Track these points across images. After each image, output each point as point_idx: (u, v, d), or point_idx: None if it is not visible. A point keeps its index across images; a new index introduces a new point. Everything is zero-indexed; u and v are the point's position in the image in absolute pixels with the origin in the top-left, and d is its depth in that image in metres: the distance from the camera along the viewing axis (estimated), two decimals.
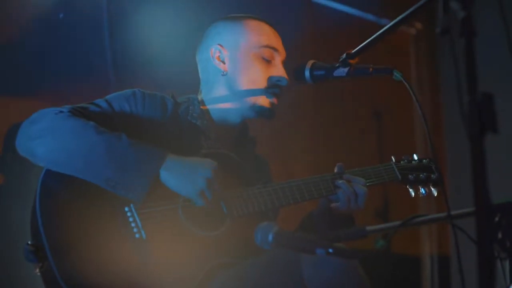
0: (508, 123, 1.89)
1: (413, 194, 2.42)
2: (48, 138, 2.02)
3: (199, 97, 2.33)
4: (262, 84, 2.26)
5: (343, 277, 1.92)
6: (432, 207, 4.82)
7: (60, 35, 3.44)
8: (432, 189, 2.43)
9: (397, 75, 2.12)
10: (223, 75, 2.28)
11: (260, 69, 2.27)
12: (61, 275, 1.90)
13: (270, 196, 2.16)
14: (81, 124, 2.03)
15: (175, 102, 2.26)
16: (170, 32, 3.74)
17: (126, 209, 2.02)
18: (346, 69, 2.20)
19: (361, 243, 1.93)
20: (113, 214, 2.01)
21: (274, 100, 2.28)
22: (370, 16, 4.94)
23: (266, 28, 2.33)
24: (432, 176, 2.43)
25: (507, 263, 1.74)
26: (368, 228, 1.73)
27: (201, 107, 2.29)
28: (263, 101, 2.27)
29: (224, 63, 2.29)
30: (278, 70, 2.28)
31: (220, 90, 2.29)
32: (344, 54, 2.18)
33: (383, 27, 2.09)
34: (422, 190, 2.42)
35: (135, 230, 2.00)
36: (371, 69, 2.19)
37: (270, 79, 2.27)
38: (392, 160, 2.43)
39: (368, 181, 2.29)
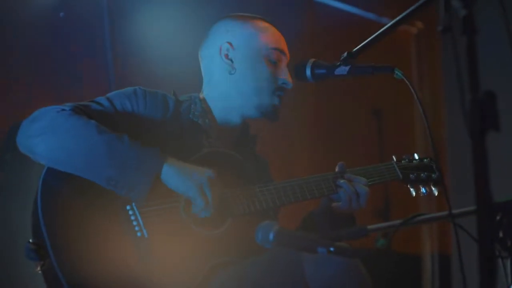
0: (510, 121, 1.88)
1: (414, 193, 2.42)
2: (50, 136, 2.02)
3: (201, 96, 2.33)
4: (268, 85, 2.26)
5: (344, 276, 1.92)
6: (433, 206, 4.82)
7: (61, 34, 3.44)
8: (433, 188, 2.44)
9: (398, 73, 2.12)
10: (230, 74, 2.28)
11: (267, 71, 2.26)
12: (62, 273, 1.90)
13: (271, 195, 2.16)
14: (82, 123, 2.02)
15: (177, 100, 2.26)
16: (171, 31, 3.74)
17: (128, 207, 2.02)
18: (347, 68, 2.19)
19: (362, 242, 1.93)
20: (114, 212, 2.01)
21: (279, 102, 2.28)
22: (370, 15, 4.94)
23: (275, 31, 2.33)
24: (433, 175, 2.43)
25: (508, 262, 1.74)
26: (369, 227, 1.73)
27: (203, 105, 2.29)
28: (270, 102, 2.26)
29: (232, 61, 2.28)
30: (284, 73, 2.28)
31: (225, 89, 2.29)
32: (346, 53, 2.18)
33: (383, 25, 2.09)
34: (423, 190, 2.42)
35: (136, 228, 2.00)
36: (372, 68, 2.19)
37: (276, 81, 2.27)
38: (393, 159, 2.43)
39: (369, 180, 2.29)
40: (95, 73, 3.53)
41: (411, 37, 5.36)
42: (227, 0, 3.48)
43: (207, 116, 2.27)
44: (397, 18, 1.97)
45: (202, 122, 2.25)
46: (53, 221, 1.96)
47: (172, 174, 2.02)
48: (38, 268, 1.95)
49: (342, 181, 2.24)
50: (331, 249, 1.61)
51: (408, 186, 2.42)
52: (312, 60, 2.26)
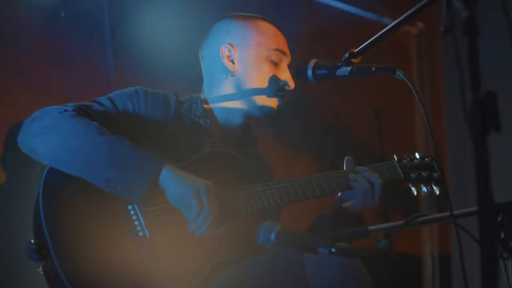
0: (511, 122, 1.88)
1: (415, 192, 2.42)
2: (51, 135, 2.01)
3: (202, 96, 2.33)
4: (270, 86, 2.26)
5: (345, 276, 1.92)
6: (433, 206, 4.82)
7: (61, 34, 3.44)
8: (434, 187, 2.43)
9: (400, 74, 2.12)
10: (232, 75, 2.28)
11: (269, 72, 2.26)
12: (64, 273, 1.89)
13: (272, 194, 2.16)
14: (84, 124, 2.02)
15: (178, 100, 2.26)
16: (171, 31, 3.74)
17: (130, 207, 2.02)
18: (348, 68, 2.19)
19: (362, 242, 1.94)
20: (116, 212, 2.01)
21: (282, 103, 2.28)
22: (371, 15, 4.94)
23: (276, 31, 2.33)
24: (434, 174, 2.43)
25: (509, 263, 1.74)
26: (371, 227, 1.73)
27: (204, 105, 2.29)
28: (272, 103, 2.27)
29: (233, 63, 2.28)
30: (285, 74, 2.28)
31: (226, 90, 2.29)
32: (347, 53, 2.18)
33: (384, 26, 2.09)
34: (424, 189, 2.42)
35: (138, 228, 2.00)
36: (374, 69, 2.19)
37: (278, 82, 2.27)
38: (394, 159, 2.43)
39: None
40: (96, 73, 3.53)
41: (411, 37, 5.36)
42: (227, 0, 3.48)
43: (208, 116, 2.27)
44: (399, 19, 1.97)
45: (204, 123, 2.25)
46: (55, 221, 1.95)
47: (170, 179, 2.01)
48: (40, 269, 1.95)
49: (356, 175, 2.24)
50: (332, 249, 1.62)
51: (409, 185, 2.42)
52: (313, 60, 2.26)
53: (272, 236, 1.67)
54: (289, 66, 2.32)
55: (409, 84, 2.08)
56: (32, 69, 3.37)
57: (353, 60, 2.18)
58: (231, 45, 2.28)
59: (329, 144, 4.71)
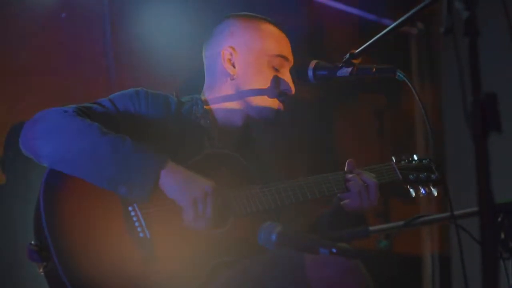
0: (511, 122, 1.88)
1: (413, 194, 2.42)
2: (52, 137, 2.02)
3: (203, 97, 2.33)
4: (270, 92, 2.26)
5: (345, 277, 1.93)
6: (432, 207, 4.82)
7: (62, 35, 3.44)
8: (433, 189, 2.44)
9: (400, 75, 2.12)
10: (232, 79, 2.27)
11: (270, 77, 2.26)
12: (65, 274, 1.89)
13: (272, 195, 2.17)
14: (85, 125, 2.02)
15: (179, 101, 2.26)
16: (173, 31, 3.74)
17: (130, 208, 2.02)
18: (349, 69, 2.19)
19: (362, 242, 1.94)
20: (117, 213, 2.01)
21: (282, 108, 2.28)
22: (371, 16, 4.94)
23: (280, 35, 2.32)
24: (432, 176, 2.44)
25: (509, 263, 1.74)
26: (371, 228, 1.73)
27: (205, 106, 2.29)
28: (272, 108, 2.26)
29: (234, 66, 2.27)
30: (286, 79, 2.28)
31: (226, 92, 2.28)
32: (347, 54, 2.18)
33: (384, 26, 2.09)
34: (422, 190, 2.43)
35: (139, 229, 2.00)
36: (374, 69, 2.19)
37: (278, 87, 2.27)
38: (392, 160, 2.43)
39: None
40: (96, 74, 3.53)
41: (411, 37, 5.36)
42: (228, 0, 3.48)
43: (209, 117, 2.27)
44: (400, 20, 1.97)
45: (204, 123, 2.25)
46: (56, 222, 1.95)
47: (172, 178, 2.01)
48: (41, 270, 1.95)
49: (350, 175, 2.24)
50: (333, 249, 1.62)
51: (408, 186, 2.42)
52: (314, 61, 2.27)
53: (273, 237, 1.67)
54: (290, 69, 2.31)
55: (409, 84, 2.08)
56: (33, 69, 3.37)
57: (354, 61, 2.18)
58: (233, 48, 2.28)
59: (329, 145, 4.71)
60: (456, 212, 1.77)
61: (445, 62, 5.19)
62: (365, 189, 2.24)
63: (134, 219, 2.01)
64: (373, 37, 2.09)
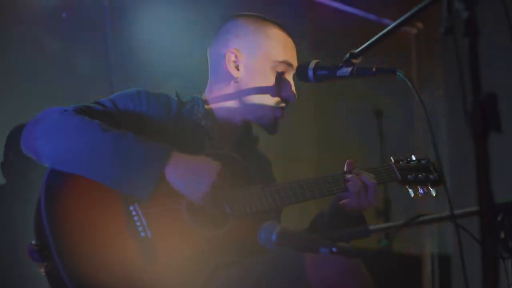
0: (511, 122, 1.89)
1: (412, 194, 2.43)
2: (53, 137, 2.02)
3: (204, 97, 2.33)
4: (271, 97, 2.25)
5: (346, 276, 1.93)
6: (432, 207, 4.83)
7: (63, 35, 3.45)
8: (431, 189, 2.45)
9: (400, 75, 2.12)
10: (235, 82, 2.27)
11: (272, 82, 2.25)
12: (66, 273, 1.89)
13: (273, 195, 2.17)
14: (86, 123, 2.02)
15: (179, 101, 2.26)
16: (173, 32, 3.75)
17: (131, 208, 2.02)
18: (349, 69, 2.19)
19: (362, 242, 1.94)
20: (118, 213, 2.01)
21: (281, 115, 2.28)
22: (371, 16, 4.95)
23: (286, 41, 2.30)
24: (431, 176, 2.45)
25: (509, 263, 1.75)
26: (371, 227, 1.73)
27: (206, 106, 2.29)
28: (271, 115, 2.26)
29: (238, 69, 2.27)
30: (289, 85, 2.27)
31: (228, 95, 2.28)
32: (347, 54, 2.18)
33: (384, 26, 2.08)
34: (420, 190, 2.43)
35: (140, 228, 2.00)
36: (374, 69, 2.19)
37: (280, 93, 2.26)
38: (391, 161, 2.44)
39: None
40: (97, 74, 3.53)
41: (411, 37, 5.36)
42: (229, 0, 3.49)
43: (209, 117, 2.27)
44: (400, 19, 1.97)
45: (205, 124, 2.25)
46: (57, 222, 1.95)
47: (176, 174, 2.01)
48: (42, 270, 1.95)
49: (349, 175, 2.25)
50: (333, 249, 1.62)
51: (407, 187, 2.43)
52: (314, 61, 2.26)
53: (273, 237, 1.67)
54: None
55: (409, 85, 2.08)
56: (33, 70, 3.38)
57: (354, 61, 2.18)
58: (238, 51, 2.27)
59: (329, 145, 4.71)
60: (456, 212, 1.77)
61: (445, 62, 5.19)
62: (364, 190, 2.24)
63: (135, 218, 2.01)
64: (373, 37, 2.09)
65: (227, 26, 2.33)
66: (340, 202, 2.27)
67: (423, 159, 2.48)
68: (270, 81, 2.25)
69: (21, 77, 3.34)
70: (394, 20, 2.01)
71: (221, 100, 2.29)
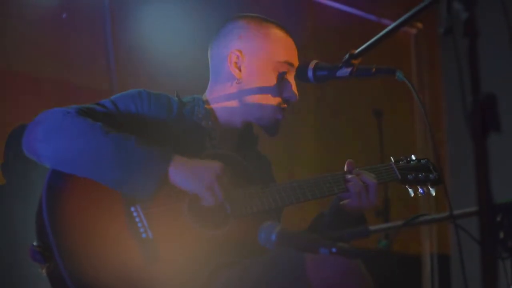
0: (511, 122, 1.89)
1: (412, 193, 2.43)
2: (55, 138, 2.02)
3: (204, 97, 2.33)
4: (273, 98, 2.26)
5: (345, 277, 1.93)
6: (432, 206, 4.83)
7: (63, 35, 3.45)
8: (431, 188, 2.45)
9: (400, 75, 2.12)
10: (237, 83, 2.27)
11: (274, 83, 2.25)
12: (68, 274, 1.89)
13: (273, 195, 2.17)
14: (88, 124, 2.03)
15: (180, 101, 2.26)
16: (173, 32, 3.75)
17: (132, 208, 2.02)
18: (349, 69, 2.19)
19: (362, 242, 1.94)
20: (119, 214, 2.01)
21: (282, 116, 2.28)
22: (371, 16, 4.95)
23: (287, 41, 2.31)
24: (431, 176, 2.45)
25: (508, 263, 1.75)
26: (371, 227, 1.73)
27: (206, 106, 2.29)
28: (272, 116, 2.26)
29: (240, 70, 2.27)
30: (290, 86, 2.27)
31: (229, 95, 2.28)
32: (347, 54, 2.18)
33: (384, 27, 2.09)
34: (420, 190, 2.44)
35: (141, 230, 2.00)
36: (374, 70, 2.19)
37: (281, 94, 2.26)
38: (391, 160, 2.44)
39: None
40: (98, 74, 3.54)
41: (410, 37, 5.37)
42: (229, 0, 3.49)
43: (210, 118, 2.27)
44: (400, 20, 1.97)
45: (206, 124, 2.25)
46: (58, 222, 1.95)
47: (180, 172, 2.02)
48: (43, 270, 1.95)
49: (350, 176, 2.25)
50: (333, 249, 1.62)
51: (406, 186, 2.43)
52: (314, 61, 2.26)
53: (273, 237, 1.67)
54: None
55: (409, 85, 2.08)
56: (34, 70, 3.38)
57: (353, 61, 2.17)
58: (240, 52, 2.27)
59: (329, 145, 4.72)
60: (455, 212, 1.77)
61: (445, 62, 5.20)
62: (364, 189, 2.24)
63: (137, 219, 2.01)
64: (372, 38, 2.09)
65: (228, 27, 2.33)
66: (341, 203, 2.27)
67: (423, 159, 2.49)
68: (272, 81, 2.26)
69: (21, 78, 3.34)
70: (394, 20, 2.01)
71: (222, 100, 2.29)
